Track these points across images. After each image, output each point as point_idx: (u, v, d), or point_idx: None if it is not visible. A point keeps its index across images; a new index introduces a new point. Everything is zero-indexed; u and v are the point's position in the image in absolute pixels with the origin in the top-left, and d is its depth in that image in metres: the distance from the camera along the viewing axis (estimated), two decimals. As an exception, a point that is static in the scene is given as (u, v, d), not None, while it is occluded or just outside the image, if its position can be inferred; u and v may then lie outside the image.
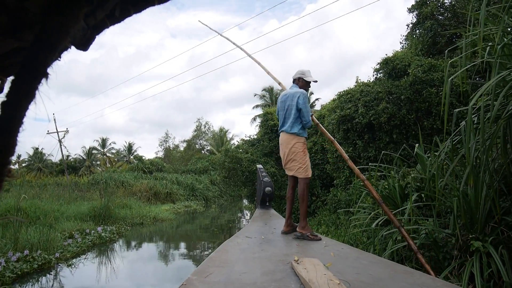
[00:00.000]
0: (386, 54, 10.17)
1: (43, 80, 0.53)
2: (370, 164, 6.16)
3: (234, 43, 5.86)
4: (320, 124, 4.74)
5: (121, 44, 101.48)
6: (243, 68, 78.09)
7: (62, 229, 9.95)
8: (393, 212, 5.06)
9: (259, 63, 5.46)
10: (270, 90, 38.29)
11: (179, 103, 71.39)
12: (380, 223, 5.42)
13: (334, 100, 11.48)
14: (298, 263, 2.63)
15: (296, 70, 4.37)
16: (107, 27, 0.66)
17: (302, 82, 4.22)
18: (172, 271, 8.20)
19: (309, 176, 4.09)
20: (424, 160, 5.42)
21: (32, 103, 0.52)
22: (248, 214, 20.20)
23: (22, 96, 0.51)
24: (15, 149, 0.51)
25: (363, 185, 6.86)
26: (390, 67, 9.84)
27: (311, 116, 4.24)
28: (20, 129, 0.51)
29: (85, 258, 8.55)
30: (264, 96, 38.74)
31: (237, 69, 79.00)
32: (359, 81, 11.07)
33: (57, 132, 29.16)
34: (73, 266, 7.83)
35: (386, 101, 9.25)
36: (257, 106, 38.80)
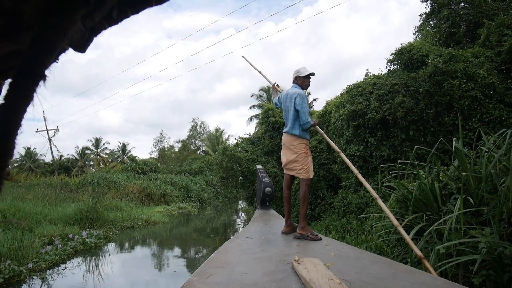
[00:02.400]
0: (401, 44, 9.31)
1: (41, 83, 0.54)
2: (399, 161, 5.23)
3: (268, 80, 5.23)
4: (323, 132, 4.52)
5: (118, 45, 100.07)
6: (239, 70, 77.08)
7: (42, 234, 8.90)
8: (431, 220, 4.20)
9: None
10: (267, 90, 37.73)
11: (174, 105, 70.42)
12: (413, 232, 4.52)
13: (342, 94, 10.60)
14: (298, 263, 2.59)
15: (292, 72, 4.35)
16: (105, 28, 0.65)
17: (300, 80, 4.21)
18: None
19: (310, 177, 4.04)
20: (463, 156, 4.52)
21: (30, 105, 0.53)
22: (243, 216, 19.37)
23: (20, 99, 0.51)
24: (13, 151, 0.51)
25: (387, 186, 6.00)
26: (406, 58, 8.97)
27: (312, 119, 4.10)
28: (18, 131, 0.52)
29: (64, 268, 7.44)
30: (261, 96, 38.11)
31: (233, 70, 77.85)
32: (369, 74, 10.22)
33: (47, 130, 27.98)
34: (47, 279, 6.75)
35: (403, 94, 8.39)
36: (254, 106, 38.17)
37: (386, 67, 9.66)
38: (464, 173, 3.78)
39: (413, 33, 11.11)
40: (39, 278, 6.59)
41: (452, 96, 8.03)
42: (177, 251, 10.79)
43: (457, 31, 9.67)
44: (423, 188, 4.56)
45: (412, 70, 8.91)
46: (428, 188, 4.44)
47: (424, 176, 4.83)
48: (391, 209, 5.55)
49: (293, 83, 4.28)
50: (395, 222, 3.44)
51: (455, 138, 4.70)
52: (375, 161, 8.89)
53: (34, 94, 0.52)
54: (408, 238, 3.29)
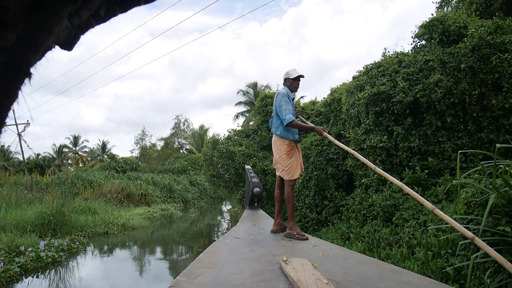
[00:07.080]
0: (432, 14, 7.75)
1: (26, 80, 0.52)
2: (497, 146, 3.58)
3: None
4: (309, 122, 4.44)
5: (101, 43, 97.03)
6: (221, 70, 75.55)
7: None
8: None
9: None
10: (254, 86, 36.49)
11: (157, 104, 68.56)
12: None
13: (354, 77, 8.98)
14: (286, 263, 2.55)
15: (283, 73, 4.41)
16: (92, 26, 0.63)
17: (289, 82, 4.25)
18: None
19: (293, 178, 4.05)
20: None
21: (15, 103, 0.51)
22: (228, 217, 17.82)
23: (4, 96, 0.50)
24: None
25: (456, 185, 4.39)
26: (440, 30, 7.43)
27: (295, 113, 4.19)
28: (2, 130, 0.52)
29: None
30: (247, 92, 36.85)
31: (215, 71, 76.28)
32: (388, 53, 8.67)
33: (16, 124, 25.57)
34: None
35: (439, 72, 6.84)
36: (240, 102, 36.83)
37: (413, 43, 8.10)
38: None
39: (436, 7, 9.61)
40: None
41: (501, 74, 6.52)
42: (159, 269, 8.99)
43: (493, 2, 8.19)
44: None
45: (447, 44, 7.38)
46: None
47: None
48: (454, 215, 3.90)
49: (283, 85, 4.31)
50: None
51: None
52: (401, 155, 7.32)
53: (19, 91, 0.50)
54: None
